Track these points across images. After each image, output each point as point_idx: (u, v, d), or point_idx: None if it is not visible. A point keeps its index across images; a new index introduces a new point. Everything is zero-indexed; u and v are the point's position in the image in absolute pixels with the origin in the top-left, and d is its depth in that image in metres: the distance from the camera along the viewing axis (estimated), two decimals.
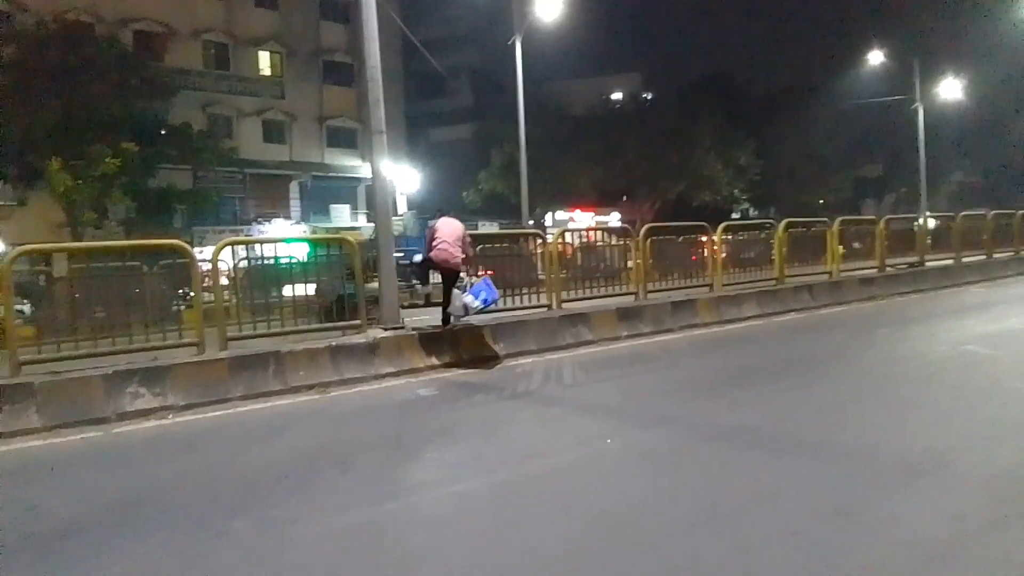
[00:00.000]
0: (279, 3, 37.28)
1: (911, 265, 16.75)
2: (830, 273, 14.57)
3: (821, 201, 45.32)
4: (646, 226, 11.95)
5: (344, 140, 39.13)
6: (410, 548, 3.69)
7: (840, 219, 15.51)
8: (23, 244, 10.63)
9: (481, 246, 10.44)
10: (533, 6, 24.51)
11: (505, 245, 11.00)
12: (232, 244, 8.55)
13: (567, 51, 39.44)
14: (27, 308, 9.32)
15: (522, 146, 24.34)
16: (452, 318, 9.20)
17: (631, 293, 11.58)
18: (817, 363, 8.46)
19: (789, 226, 14.43)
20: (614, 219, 38.74)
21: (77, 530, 4.13)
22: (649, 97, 45.83)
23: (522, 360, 9.02)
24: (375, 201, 9.01)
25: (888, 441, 5.07)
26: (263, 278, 9.25)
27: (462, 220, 9.37)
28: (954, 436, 5.11)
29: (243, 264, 9.53)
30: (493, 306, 9.46)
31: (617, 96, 45.06)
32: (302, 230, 35.59)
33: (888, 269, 15.94)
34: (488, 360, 8.95)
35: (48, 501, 4.73)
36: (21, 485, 5.14)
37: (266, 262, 9.56)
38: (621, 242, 12.33)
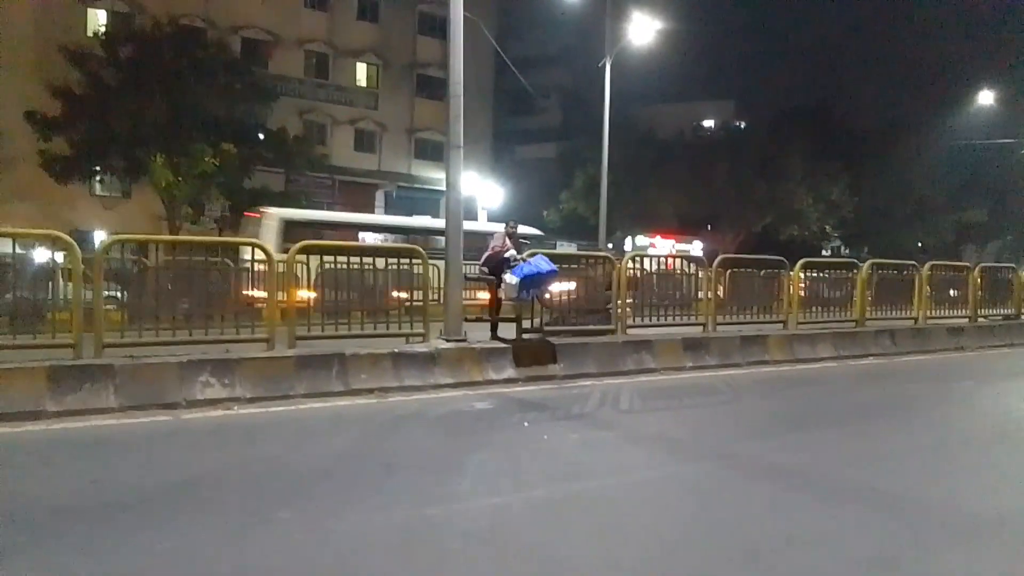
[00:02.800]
0: (379, 17, 38.56)
1: (1006, 317, 15.87)
2: (915, 319, 13.95)
3: (919, 244, 43.43)
4: (720, 257, 11.75)
5: (431, 152, 39.97)
6: (441, 554, 3.74)
7: (931, 264, 14.85)
8: (123, 234, 11.33)
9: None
10: (627, 28, 24.59)
11: (575, 267, 10.99)
12: (308, 247, 8.86)
13: (659, 75, 39.19)
14: (120, 294, 9.88)
15: (604, 168, 24.35)
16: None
17: (700, 324, 11.39)
18: (888, 412, 8.11)
19: (874, 267, 13.93)
20: (696, 248, 38.13)
21: (134, 505, 4.36)
22: (741, 125, 45.07)
23: (581, 382, 9.00)
24: (447, 213, 9.21)
25: (947, 497, 4.83)
26: (338, 282, 9.54)
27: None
28: (1019, 499, 4.82)
29: (324, 266, 9.86)
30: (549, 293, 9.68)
31: (708, 123, 44.49)
32: (383, 238, 36.49)
33: (981, 320, 15.15)
34: (547, 379, 8.97)
35: (113, 476, 5.00)
36: (91, 459, 5.47)
37: (342, 266, 9.89)
38: (694, 271, 12.14)
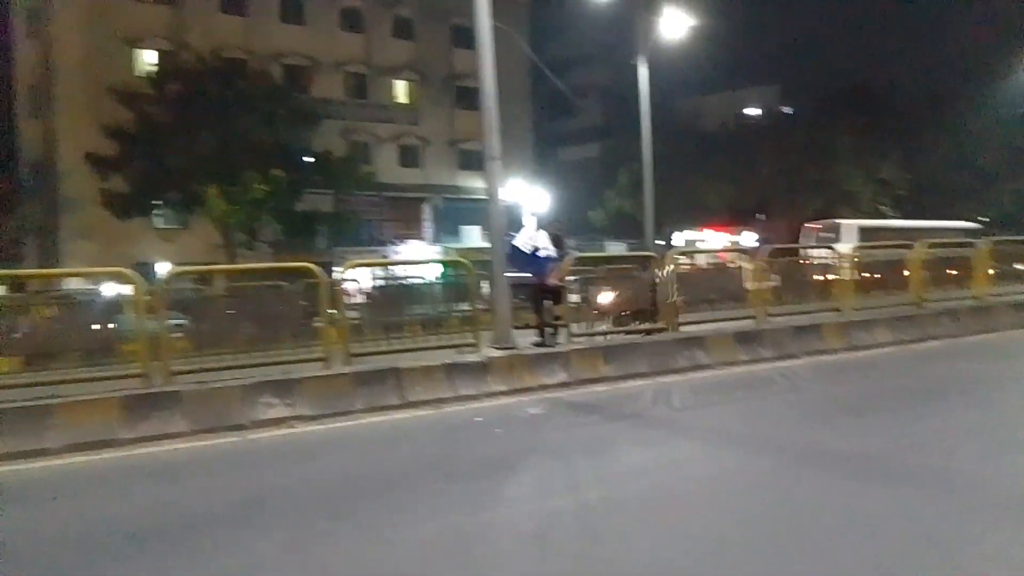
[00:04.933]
0: (414, 34, 39.13)
1: None
2: (977, 297, 13.52)
3: (980, 218, 41.88)
4: (769, 247, 11.62)
5: (475, 162, 40.23)
6: (496, 558, 3.85)
7: (992, 239, 14.38)
8: (185, 263, 11.89)
9: (590, 268, 10.57)
10: (660, 23, 24.41)
11: (622, 267, 11.04)
12: (357, 266, 9.13)
13: (700, 66, 38.76)
14: (185, 322, 10.32)
15: (647, 164, 24.17)
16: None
17: (751, 316, 11.28)
18: (947, 393, 7.92)
19: (931, 246, 13.57)
20: (749, 238, 37.56)
21: (203, 525, 4.57)
22: (786, 111, 44.29)
23: (633, 382, 9.01)
24: (490, 224, 9.36)
25: (1007, 478, 4.73)
26: (388, 298, 9.82)
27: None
28: None
29: (374, 284, 10.15)
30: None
31: (754, 110, 43.79)
32: (435, 251, 36.98)
33: None
34: (598, 381, 9.01)
35: (184, 498, 5.26)
36: (163, 483, 5.75)
37: (392, 282, 10.20)
38: (741, 263, 12.03)
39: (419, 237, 38.73)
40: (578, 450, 6.12)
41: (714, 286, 11.42)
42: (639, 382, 9.02)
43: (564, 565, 3.74)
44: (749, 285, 11.47)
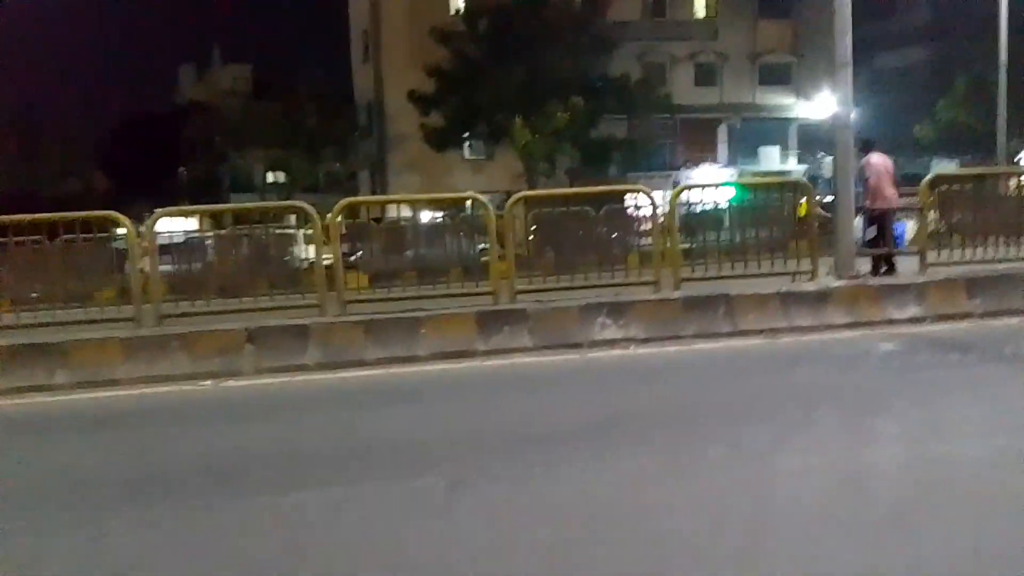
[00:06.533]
0: None
1: None
2: None
3: None
4: None
5: (777, 77, 37.48)
6: (897, 503, 3.53)
7: None
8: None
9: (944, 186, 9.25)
10: None
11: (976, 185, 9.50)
12: (685, 190, 8.92)
13: None
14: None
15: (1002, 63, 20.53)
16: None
17: None
18: None
19: None
20: None
21: (564, 438, 4.68)
22: None
23: (1008, 320, 7.78)
24: (837, 141, 8.54)
25: None
26: (703, 223, 9.49)
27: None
28: None
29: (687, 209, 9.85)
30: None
31: None
32: (730, 175, 35.40)
33: None
34: (960, 317, 7.92)
35: (541, 410, 5.56)
36: (519, 393, 6.18)
37: (704, 207, 9.80)
38: None
39: (713, 160, 37.28)
40: (955, 393, 5.42)
41: None
42: (1015, 320, 7.77)
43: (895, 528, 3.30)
44: None
